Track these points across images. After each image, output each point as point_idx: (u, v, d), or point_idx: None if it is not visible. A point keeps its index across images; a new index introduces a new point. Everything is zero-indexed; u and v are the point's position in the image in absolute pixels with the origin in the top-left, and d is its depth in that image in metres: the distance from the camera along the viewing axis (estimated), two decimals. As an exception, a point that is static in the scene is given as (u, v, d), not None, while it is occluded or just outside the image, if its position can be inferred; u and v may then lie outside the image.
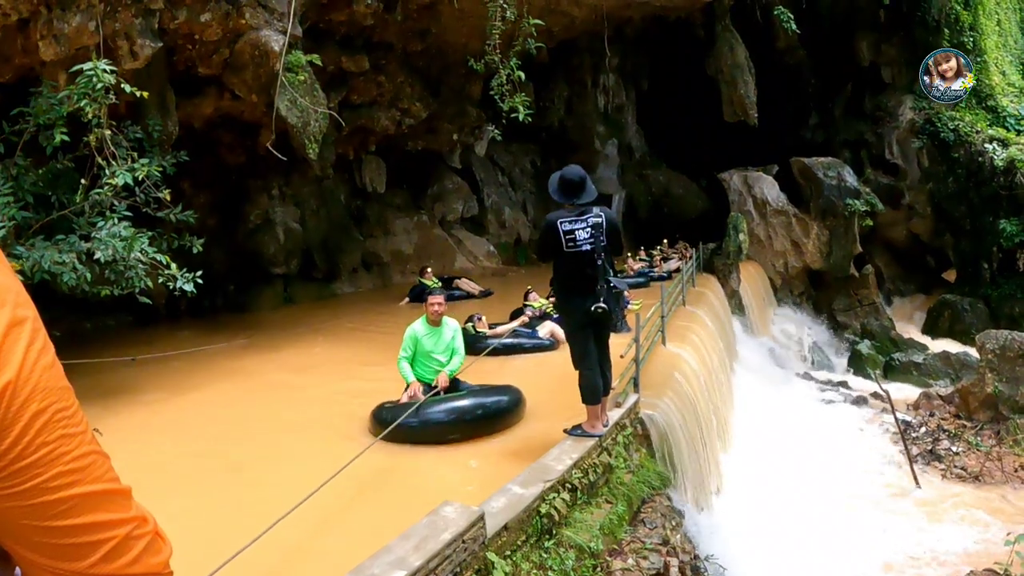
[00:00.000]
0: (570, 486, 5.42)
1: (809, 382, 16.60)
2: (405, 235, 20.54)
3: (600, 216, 5.66)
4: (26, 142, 8.58)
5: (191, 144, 11.06)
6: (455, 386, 7.04)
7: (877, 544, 8.99)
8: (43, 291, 8.14)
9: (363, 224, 19.36)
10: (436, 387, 6.80)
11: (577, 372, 5.92)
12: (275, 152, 10.82)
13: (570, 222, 5.53)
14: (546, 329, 10.37)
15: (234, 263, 15.42)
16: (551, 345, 10.11)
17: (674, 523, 6.29)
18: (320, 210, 17.25)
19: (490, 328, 10.54)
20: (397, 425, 6.05)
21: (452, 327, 7.23)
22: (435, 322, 7.12)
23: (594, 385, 5.86)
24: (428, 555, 3.86)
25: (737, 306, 17.21)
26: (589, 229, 5.54)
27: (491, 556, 4.29)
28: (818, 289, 21.62)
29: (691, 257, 17.41)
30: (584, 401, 5.99)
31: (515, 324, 10.56)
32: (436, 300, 7.16)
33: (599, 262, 5.59)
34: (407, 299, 15.36)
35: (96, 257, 7.73)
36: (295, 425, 7.26)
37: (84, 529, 0.82)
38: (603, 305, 5.54)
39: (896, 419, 11.98)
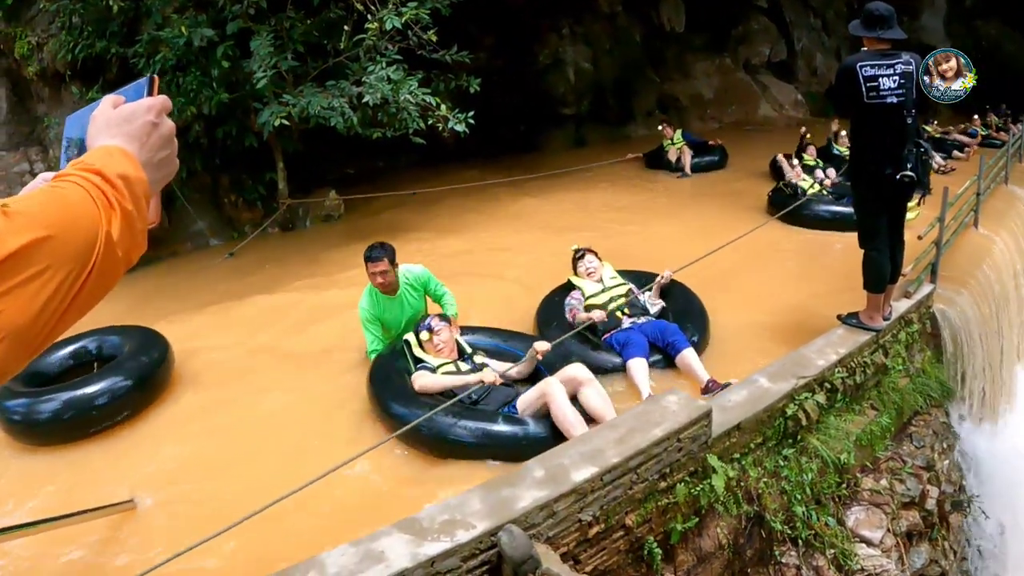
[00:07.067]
0: (829, 386, 4.77)
1: None
2: (705, 78, 19.28)
3: (911, 64, 4.66)
4: (295, -6, 8.78)
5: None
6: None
7: None
8: (332, 133, 8.57)
9: (660, 66, 18.31)
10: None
11: (861, 251, 5.09)
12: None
13: (873, 67, 4.58)
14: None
15: (525, 103, 15.30)
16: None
17: (945, 445, 5.43)
18: (613, 50, 16.66)
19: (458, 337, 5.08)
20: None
21: (414, 281, 5.33)
22: (388, 292, 5.20)
23: (881, 269, 5.03)
24: (629, 452, 3.46)
25: (1078, 190, 14.52)
26: (897, 78, 4.58)
27: (712, 459, 3.83)
28: None
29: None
30: (866, 287, 5.16)
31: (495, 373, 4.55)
32: (375, 268, 5.05)
33: (908, 120, 4.65)
34: (633, 154, 13.06)
35: (365, 100, 7.86)
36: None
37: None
38: (910, 173, 4.62)
39: None
